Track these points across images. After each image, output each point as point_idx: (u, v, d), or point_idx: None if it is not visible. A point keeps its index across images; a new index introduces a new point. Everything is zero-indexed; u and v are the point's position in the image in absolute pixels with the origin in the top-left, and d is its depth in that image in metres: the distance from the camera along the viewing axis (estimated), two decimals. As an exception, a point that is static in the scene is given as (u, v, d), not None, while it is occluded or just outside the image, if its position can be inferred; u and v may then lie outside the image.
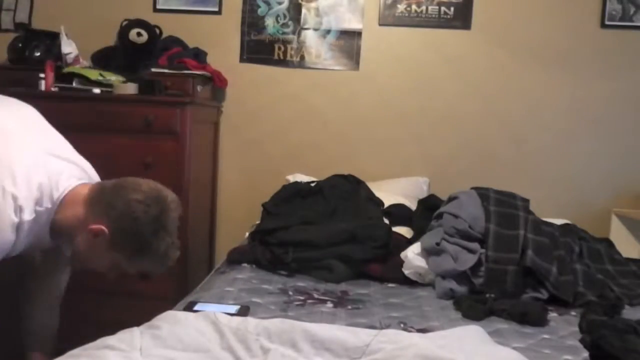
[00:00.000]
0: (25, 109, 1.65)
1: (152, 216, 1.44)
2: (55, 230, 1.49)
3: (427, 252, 2.02)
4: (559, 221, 2.45)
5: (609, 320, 1.63)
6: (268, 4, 3.06)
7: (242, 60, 3.09)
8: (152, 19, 2.94)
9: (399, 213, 2.50)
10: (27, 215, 1.39)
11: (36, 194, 1.41)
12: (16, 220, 1.37)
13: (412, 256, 2.04)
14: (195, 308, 1.56)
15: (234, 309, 1.57)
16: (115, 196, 1.45)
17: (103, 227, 1.43)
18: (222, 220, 3.13)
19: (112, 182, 1.51)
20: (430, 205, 2.43)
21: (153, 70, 2.75)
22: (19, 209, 1.37)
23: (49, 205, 1.44)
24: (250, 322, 1.29)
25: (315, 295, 1.86)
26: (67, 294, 1.89)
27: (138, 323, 1.32)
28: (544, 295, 1.92)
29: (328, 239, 2.13)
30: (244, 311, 1.57)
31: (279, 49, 3.07)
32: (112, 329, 1.30)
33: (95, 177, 1.65)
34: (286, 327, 1.26)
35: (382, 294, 1.93)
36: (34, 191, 1.40)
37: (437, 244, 2.00)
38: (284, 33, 3.07)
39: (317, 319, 1.61)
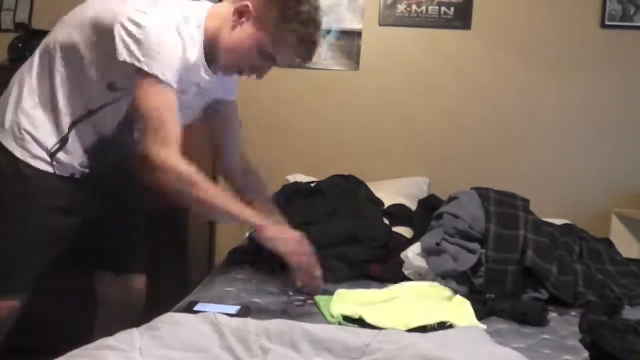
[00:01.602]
0: None
1: None
2: (211, 56, 1.53)
3: (427, 252, 2.02)
4: (559, 221, 2.45)
5: (609, 320, 1.63)
6: (268, 4, 3.07)
7: (242, 60, 3.09)
8: (152, 19, 2.94)
9: (399, 213, 2.50)
10: (178, 15, 1.45)
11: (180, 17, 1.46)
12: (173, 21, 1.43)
13: (412, 256, 2.04)
14: (196, 308, 1.56)
15: (234, 309, 1.57)
16: None
17: (246, 3, 1.47)
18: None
19: None
20: (430, 205, 2.43)
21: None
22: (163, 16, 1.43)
23: (195, 31, 1.49)
24: (250, 322, 1.29)
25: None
26: (68, 295, 1.89)
27: (138, 324, 1.33)
28: (544, 295, 1.92)
29: (328, 239, 2.12)
30: (244, 311, 1.57)
31: None
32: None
33: None
34: (286, 327, 1.26)
35: (382, 294, 1.93)
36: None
37: (437, 244, 2.00)
38: (284, 33, 3.06)
39: (317, 319, 1.61)
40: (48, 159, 1.53)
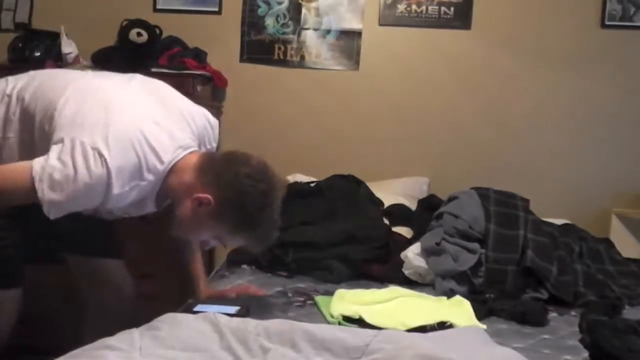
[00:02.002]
0: (150, 81, 1.64)
1: (259, 191, 1.43)
2: (162, 195, 1.51)
3: (427, 252, 2.02)
4: (559, 221, 2.45)
5: (609, 320, 1.63)
6: (268, 4, 3.06)
7: (242, 60, 3.09)
8: (152, 19, 2.94)
9: (399, 213, 2.50)
10: (117, 189, 1.36)
11: (131, 168, 1.39)
12: (105, 187, 1.35)
13: (412, 256, 2.04)
14: (195, 309, 1.56)
15: (234, 309, 1.57)
16: (225, 167, 1.45)
17: (209, 197, 1.42)
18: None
19: (222, 153, 1.53)
20: (430, 205, 2.43)
21: (153, 70, 2.74)
22: (109, 176, 1.35)
23: (152, 178, 1.43)
24: (250, 322, 1.29)
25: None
26: (68, 295, 1.90)
27: (138, 324, 1.32)
28: (544, 295, 1.92)
29: (328, 240, 2.13)
30: (244, 312, 1.57)
31: (279, 49, 3.07)
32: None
33: (211, 139, 1.67)
34: (286, 327, 1.26)
35: (382, 294, 1.93)
36: (128, 165, 1.38)
37: (437, 244, 2.00)
38: (284, 33, 3.07)
39: (317, 319, 1.61)
40: None
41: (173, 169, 1.46)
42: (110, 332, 1.27)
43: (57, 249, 1.80)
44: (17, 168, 1.37)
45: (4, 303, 1.60)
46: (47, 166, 1.32)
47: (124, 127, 1.39)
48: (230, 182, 1.42)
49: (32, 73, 1.59)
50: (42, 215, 1.45)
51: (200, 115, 1.63)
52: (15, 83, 1.55)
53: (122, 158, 1.36)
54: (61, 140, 1.34)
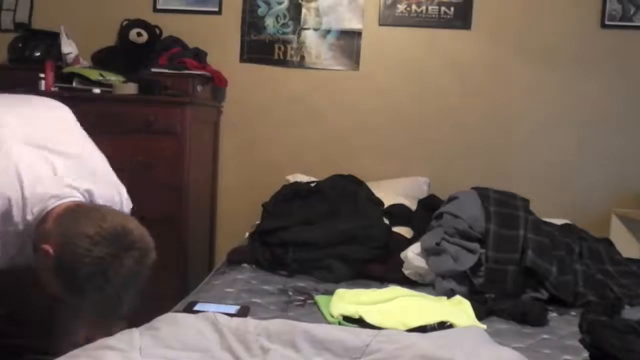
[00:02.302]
0: (50, 110, 1.57)
1: (94, 257, 1.24)
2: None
3: (427, 252, 2.02)
4: (559, 221, 2.45)
5: (609, 320, 1.63)
6: (268, 4, 3.06)
7: (242, 60, 3.09)
8: (152, 19, 2.94)
9: (399, 213, 2.50)
10: None
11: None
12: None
13: (412, 256, 2.04)
14: (195, 308, 1.56)
15: (234, 309, 1.57)
16: (75, 222, 1.29)
17: (49, 249, 1.28)
18: (222, 220, 3.13)
19: (91, 206, 1.38)
20: (430, 205, 2.43)
21: (153, 70, 2.75)
22: None
23: (20, 228, 1.34)
24: (250, 322, 1.29)
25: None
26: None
27: (138, 323, 1.32)
28: (544, 295, 1.92)
29: (328, 239, 2.13)
30: (244, 311, 1.57)
31: (279, 49, 3.07)
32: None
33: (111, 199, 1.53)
34: (286, 327, 1.26)
35: (382, 294, 1.93)
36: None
37: (437, 244, 2.00)
38: (284, 33, 3.07)
39: (317, 319, 1.61)
40: None
41: (44, 217, 1.34)
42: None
43: None
44: None
45: None
46: None
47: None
48: (68, 240, 1.26)
49: None
50: None
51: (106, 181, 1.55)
52: None
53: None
54: None
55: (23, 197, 1.33)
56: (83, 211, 1.33)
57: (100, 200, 1.47)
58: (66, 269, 1.26)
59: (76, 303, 1.35)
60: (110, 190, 1.54)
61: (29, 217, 1.33)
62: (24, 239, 1.37)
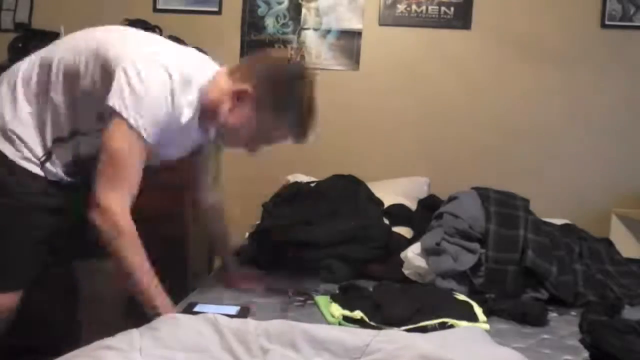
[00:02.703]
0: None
1: (287, 67, 1.58)
2: (204, 119, 1.54)
3: (427, 252, 2.01)
4: (559, 221, 2.45)
5: (609, 320, 1.63)
6: (268, 4, 3.07)
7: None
8: (152, 19, 2.94)
9: (399, 213, 2.49)
10: (178, 94, 1.44)
11: (180, 78, 1.45)
12: (169, 85, 1.42)
13: (412, 256, 2.04)
14: (195, 309, 1.56)
15: (234, 309, 1.57)
16: (253, 59, 1.58)
17: (246, 87, 1.49)
18: (222, 220, 3.13)
19: (250, 56, 1.66)
20: (430, 205, 2.43)
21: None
22: (169, 76, 1.43)
23: (190, 97, 1.48)
24: (250, 323, 1.29)
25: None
26: (68, 296, 1.89)
27: (138, 324, 1.32)
28: (544, 295, 1.92)
29: (328, 239, 2.12)
30: (244, 312, 1.57)
31: (279, 48, 3.08)
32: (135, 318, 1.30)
33: None
34: (286, 327, 1.26)
35: (382, 294, 1.92)
36: (179, 73, 1.45)
37: (437, 244, 1.99)
38: (284, 33, 3.07)
39: (317, 319, 1.61)
40: (39, 163, 1.52)
41: (211, 83, 1.52)
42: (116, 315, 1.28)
43: (69, 252, 1.77)
44: (109, 130, 1.40)
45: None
46: (123, 97, 1.37)
47: (165, 53, 1.49)
48: (265, 65, 1.53)
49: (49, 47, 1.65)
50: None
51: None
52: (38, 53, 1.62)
53: (174, 69, 1.44)
54: (121, 70, 1.39)
55: (189, 72, 1.49)
56: (250, 56, 1.67)
57: None
58: (272, 82, 1.50)
59: (285, 119, 1.56)
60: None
61: (195, 88, 1.49)
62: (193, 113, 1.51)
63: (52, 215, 1.57)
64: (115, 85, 1.39)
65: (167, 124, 1.45)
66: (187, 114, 1.49)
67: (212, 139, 1.65)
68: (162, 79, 1.42)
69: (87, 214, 1.43)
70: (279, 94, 1.51)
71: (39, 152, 1.52)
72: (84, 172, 1.54)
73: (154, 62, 1.43)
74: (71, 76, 1.49)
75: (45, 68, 1.54)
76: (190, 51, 1.62)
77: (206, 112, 1.53)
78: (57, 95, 1.50)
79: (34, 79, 1.54)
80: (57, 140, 1.52)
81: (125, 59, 1.41)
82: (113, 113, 1.38)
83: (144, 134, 1.40)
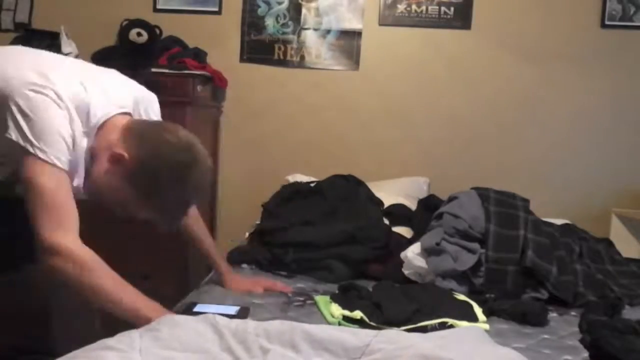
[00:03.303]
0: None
1: (176, 161, 1.38)
2: (90, 160, 1.44)
3: (427, 252, 2.01)
4: (559, 221, 2.45)
5: (609, 320, 1.63)
6: (268, 4, 3.06)
7: (242, 60, 3.10)
8: (152, 19, 2.95)
9: (399, 213, 2.49)
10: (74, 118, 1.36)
11: (74, 116, 1.37)
12: (65, 113, 1.35)
13: (412, 256, 2.04)
14: (195, 309, 1.56)
15: (233, 310, 1.57)
16: (150, 130, 1.42)
17: (124, 153, 1.38)
18: (222, 220, 3.13)
19: (155, 120, 1.52)
20: (430, 205, 2.43)
21: (153, 70, 2.75)
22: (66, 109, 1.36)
23: (85, 129, 1.40)
24: (249, 323, 1.29)
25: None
26: (68, 295, 1.89)
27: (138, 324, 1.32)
28: (544, 295, 1.92)
29: (328, 240, 2.12)
30: (243, 312, 1.57)
31: (279, 49, 3.08)
32: (112, 330, 1.30)
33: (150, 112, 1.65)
34: (285, 327, 1.26)
35: (382, 294, 1.92)
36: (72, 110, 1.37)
37: (437, 244, 1.99)
38: (284, 33, 3.07)
39: (317, 319, 1.61)
40: None
41: (102, 128, 1.43)
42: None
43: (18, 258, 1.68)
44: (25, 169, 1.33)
45: None
46: (23, 133, 1.31)
47: (62, 80, 1.39)
48: (149, 145, 1.38)
49: None
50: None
51: (138, 86, 1.66)
52: None
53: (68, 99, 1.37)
54: (14, 105, 1.33)
55: (88, 103, 1.40)
56: (153, 123, 1.50)
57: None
58: (148, 172, 1.37)
59: (147, 208, 1.42)
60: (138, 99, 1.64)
61: (93, 121, 1.41)
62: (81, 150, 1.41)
63: None
64: (10, 121, 1.33)
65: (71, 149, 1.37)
66: (82, 143, 1.40)
67: (88, 191, 1.51)
68: (59, 103, 1.34)
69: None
70: (148, 186, 1.38)
71: None
72: None
73: (46, 81, 1.35)
74: None
75: None
76: (108, 76, 1.54)
77: (92, 156, 1.44)
78: None
79: None
80: None
81: (16, 87, 1.34)
82: (26, 153, 1.32)
83: (65, 167, 1.34)
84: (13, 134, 1.32)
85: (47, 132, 1.32)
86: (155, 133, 1.41)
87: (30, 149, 1.31)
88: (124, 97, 1.54)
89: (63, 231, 1.32)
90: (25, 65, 1.41)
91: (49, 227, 1.31)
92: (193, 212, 1.74)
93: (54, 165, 1.32)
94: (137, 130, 1.42)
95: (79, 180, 1.46)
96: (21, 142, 1.32)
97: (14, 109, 1.33)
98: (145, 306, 1.37)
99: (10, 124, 1.33)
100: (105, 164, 1.41)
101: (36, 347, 2.00)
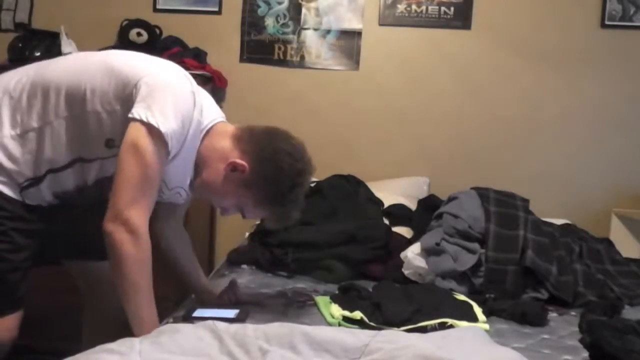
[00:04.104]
0: None
1: (296, 170, 1.45)
2: (197, 163, 1.47)
3: (427, 252, 2.02)
4: (559, 221, 2.45)
5: (609, 320, 1.63)
6: (268, 4, 3.06)
7: (242, 60, 3.10)
8: (152, 19, 2.95)
9: (399, 213, 2.50)
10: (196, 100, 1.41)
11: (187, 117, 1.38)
12: (191, 88, 1.40)
13: (412, 256, 2.04)
14: (195, 314, 1.55)
15: (233, 313, 1.57)
16: (266, 140, 1.46)
17: (245, 164, 1.42)
18: (222, 220, 3.13)
19: (262, 127, 1.51)
20: (430, 205, 2.43)
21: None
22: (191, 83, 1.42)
23: (196, 133, 1.43)
24: (248, 326, 1.29)
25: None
26: (68, 296, 1.89)
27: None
28: (544, 295, 1.92)
29: (328, 240, 2.13)
30: (243, 315, 1.57)
31: (279, 49, 3.07)
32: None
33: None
34: (285, 329, 1.26)
35: (382, 294, 1.92)
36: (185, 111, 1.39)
37: (437, 244, 2.00)
38: (284, 33, 3.07)
39: (317, 320, 1.61)
40: (18, 189, 1.44)
41: (209, 133, 1.46)
42: (110, 334, 1.25)
43: (53, 253, 1.70)
44: (130, 133, 1.33)
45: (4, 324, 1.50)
46: (147, 105, 1.32)
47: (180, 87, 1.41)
48: (269, 156, 1.43)
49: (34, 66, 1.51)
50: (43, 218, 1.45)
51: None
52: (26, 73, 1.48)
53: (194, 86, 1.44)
54: (144, 84, 1.36)
55: (201, 104, 1.44)
56: (263, 131, 1.49)
57: None
58: (270, 182, 1.43)
59: (263, 212, 1.51)
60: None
61: (204, 123, 1.44)
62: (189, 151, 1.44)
63: (27, 238, 1.48)
64: (138, 98, 1.34)
65: (187, 128, 1.39)
66: (195, 131, 1.42)
67: (197, 193, 1.56)
68: (185, 93, 1.39)
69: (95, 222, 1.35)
70: (269, 194, 1.45)
71: (23, 178, 1.43)
72: (75, 202, 1.50)
73: (177, 71, 1.43)
74: (75, 100, 1.40)
75: (40, 90, 1.43)
76: (203, 91, 1.55)
77: (200, 159, 1.47)
78: (58, 125, 1.41)
79: (25, 101, 1.42)
80: (53, 171, 1.44)
81: (147, 74, 1.37)
82: (135, 121, 1.32)
83: (171, 150, 1.35)
84: (136, 112, 1.32)
85: (170, 108, 1.33)
86: (273, 144, 1.45)
87: (145, 116, 1.31)
88: (218, 109, 1.57)
89: (141, 209, 1.32)
90: (153, 60, 1.47)
91: (129, 198, 1.31)
92: (180, 230, 1.74)
93: (163, 137, 1.32)
94: (253, 141, 1.46)
95: (177, 181, 1.49)
96: (142, 114, 1.31)
97: (143, 87, 1.35)
98: (151, 322, 1.36)
99: (137, 101, 1.33)
100: (222, 171, 1.44)
101: (36, 347, 2.00)
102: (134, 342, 1.21)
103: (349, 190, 2.49)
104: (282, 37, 3.07)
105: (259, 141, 1.45)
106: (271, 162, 1.43)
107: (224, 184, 1.45)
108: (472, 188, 2.28)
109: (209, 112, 1.49)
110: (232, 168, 1.43)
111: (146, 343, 1.20)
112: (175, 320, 1.53)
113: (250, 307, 1.65)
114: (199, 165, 1.48)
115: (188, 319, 1.52)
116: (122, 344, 1.20)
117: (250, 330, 1.26)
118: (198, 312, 1.56)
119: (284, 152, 1.44)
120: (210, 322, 1.30)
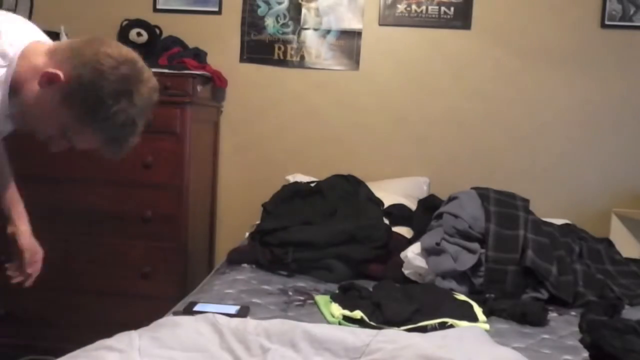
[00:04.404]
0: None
1: (119, 74, 1.22)
2: (13, 91, 1.27)
3: (427, 252, 2.02)
4: (559, 221, 2.45)
5: (609, 320, 1.63)
6: (268, 4, 3.06)
7: (242, 60, 3.09)
8: (152, 19, 2.94)
9: (399, 213, 2.50)
10: None
11: None
12: None
13: (412, 256, 2.04)
14: (195, 309, 1.56)
15: (233, 309, 1.57)
16: (85, 45, 1.25)
17: (58, 72, 1.21)
18: (222, 220, 3.13)
19: (83, 38, 1.29)
20: (430, 205, 2.43)
21: (153, 70, 2.72)
22: None
23: (3, 63, 1.24)
24: (249, 322, 1.29)
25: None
26: (68, 296, 1.89)
27: (138, 323, 1.32)
28: (544, 295, 1.92)
29: (328, 239, 2.13)
30: (243, 312, 1.57)
31: (279, 49, 3.07)
32: (112, 330, 1.30)
33: None
34: (286, 327, 1.26)
35: (382, 294, 1.93)
36: None
37: (437, 244, 2.00)
38: (284, 33, 3.07)
39: (317, 319, 1.62)
40: None
41: (23, 55, 1.26)
42: None
43: None
44: None
45: None
46: None
47: None
48: (86, 59, 1.22)
49: None
50: None
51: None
52: None
53: None
54: None
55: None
56: (83, 39, 1.28)
57: None
58: (89, 88, 1.21)
59: (89, 131, 1.26)
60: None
61: (10, 52, 1.25)
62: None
63: None
64: None
65: None
66: None
67: (19, 123, 1.36)
68: None
69: None
70: (90, 105, 1.22)
71: None
72: None
73: None
74: None
75: None
76: (16, 21, 1.35)
77: (15, 89, 1.27)
78: None
79: None
80: None
81: None
82: None
83: None
84: None
85: None
86: (92, 47, 1.24)
87: None
88: (34, 28, 1.39)
89: None
90: None
91: None
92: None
93: None
94: (68, 47, 1.26)
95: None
96: None
97: None
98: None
99: None
100: (36, 88, 1.24)
101: (36, 347, 2.00)
102: (133, 338, 1.21)
103: (349, 190, 2.49)
104: (282, 37, 3.07)
105: (77, 48, 1.25)
106: (88, 65, 1.21)
107: (41, 102, 1.25)
108: (472, 188, 2.28)
109: (16, 37, 1.28)
110: (47, 80, 1.22)
111: (145, 338, 1.20)
112: (176, 314, 1.53)
113: (250, 304, 1.65)
114: (17, 92, 1.28)
115: (189, 313, 1.52)
116: (120, 340, 1.19)
117: (251, 326, 1.26)
118: (199, 307, 1.57)
119: (104, 54, 1.22)
120: (210, 315, 1.30)
